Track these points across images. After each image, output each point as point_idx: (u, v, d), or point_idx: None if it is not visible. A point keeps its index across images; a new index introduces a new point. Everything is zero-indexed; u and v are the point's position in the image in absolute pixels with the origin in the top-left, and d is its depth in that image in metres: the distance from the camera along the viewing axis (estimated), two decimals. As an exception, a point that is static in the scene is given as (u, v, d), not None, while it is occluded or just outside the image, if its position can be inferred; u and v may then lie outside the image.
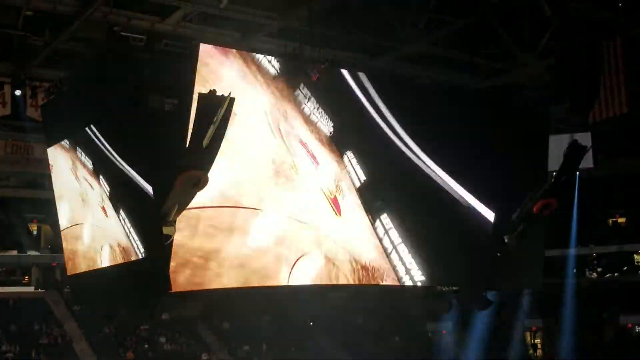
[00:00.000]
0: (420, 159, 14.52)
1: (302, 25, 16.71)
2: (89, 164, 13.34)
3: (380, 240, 14.20)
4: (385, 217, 14.17)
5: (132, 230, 12.22)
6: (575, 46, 19.36)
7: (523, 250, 15.28)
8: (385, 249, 14.27)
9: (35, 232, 40.72)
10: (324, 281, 13.47)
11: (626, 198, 44.85)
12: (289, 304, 39.22)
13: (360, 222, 14.08)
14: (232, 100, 10.64)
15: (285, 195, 12.84)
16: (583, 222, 44.28)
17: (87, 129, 13.09)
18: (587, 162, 33.52)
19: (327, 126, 13.51)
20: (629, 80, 19.89)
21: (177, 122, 11.23)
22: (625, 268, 42.80)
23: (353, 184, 13.90)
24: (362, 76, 13.99)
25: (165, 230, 11.10)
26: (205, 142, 10.56)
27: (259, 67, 12.89)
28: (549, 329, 43.02)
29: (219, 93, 10.69)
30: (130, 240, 12.31)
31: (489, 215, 15.18)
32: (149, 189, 11.43)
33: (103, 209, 13.07)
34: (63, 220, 14.79)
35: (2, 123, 26.59)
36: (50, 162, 14.87)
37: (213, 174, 10.79)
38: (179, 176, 10.68)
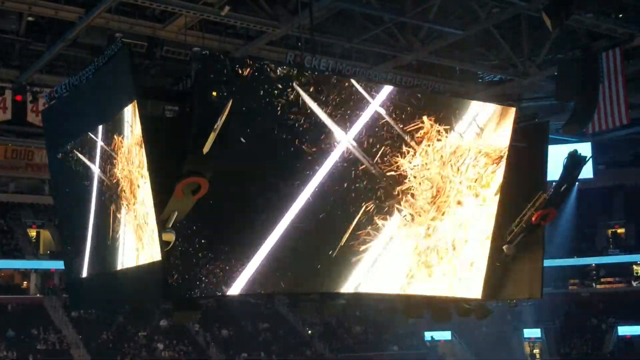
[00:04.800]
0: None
1: (303, 33, 16.76)
2: (90, 168, 13.34)
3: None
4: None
5: (130, 236, 12.21)
6: (575, 57, 19.40)
7: (522, 260, 15.32)
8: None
9: (34, 238, 40.70)
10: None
11: (625, 209, 44.92)
12: (288, 311, 39.37)
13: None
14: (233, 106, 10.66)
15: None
16: (582, 232, 44.38)
17: (87, 134, 13.11)
18: (587, 172, 33.68)
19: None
20: (628, 92, 19.95)
21: (177, 129, 11.25)
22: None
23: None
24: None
25: (165, 236, 11.09)
26: (205, 149, 10.57)
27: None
28: (548, 339, 42.95)
29: (219, 100, 10.72)
30: (128, 245, 12.31)
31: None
32: (148, 195, 11.41)
33: (104, 213, 13.07)
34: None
35: (3, 128, 26.58)
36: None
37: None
38: (179, 183, 10.69)
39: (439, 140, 14.11)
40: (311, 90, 12.48)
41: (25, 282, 39.37)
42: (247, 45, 20.12)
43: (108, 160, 12.55)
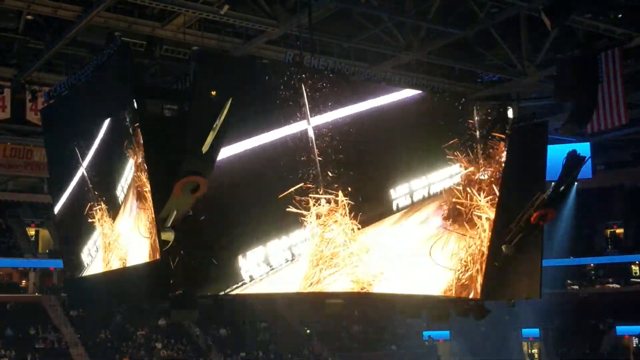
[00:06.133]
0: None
1: (302, 33, 16.76)
2: (90, 166, 13.36)
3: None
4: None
5: (130, 234, 12.22)
6: (574, 57, 19.40)
7: (521, 260, 15.31)
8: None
9: (33, 237, 40.67)
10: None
11: (624, 209, 44.92)
12: (286, 310, 39.36)
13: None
14: (232, 106, 10.65)
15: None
16: (581, 232, 44.38)
17: (86, 133, 13.11)
18: (586, 173, 33.70)
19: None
20: (627, 92, 19.97)
21: (176, 128, 11.24)
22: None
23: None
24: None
25: (164, 235, 11.09)
26: (204, 148, 10.58)
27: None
28: (546, 339, 42.96)
29: (218, 99, 10.71)
30: (128, 245, 12.32)
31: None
32: (147, 194, 11.42)
33: (101, 212, 13.08)
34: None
35: (2, 127, 26.56)
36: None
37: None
38: (177, 182, 10.69)
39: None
40: None
41: (23, 281, 39.35)
42: (246, 44, 20.14)
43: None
